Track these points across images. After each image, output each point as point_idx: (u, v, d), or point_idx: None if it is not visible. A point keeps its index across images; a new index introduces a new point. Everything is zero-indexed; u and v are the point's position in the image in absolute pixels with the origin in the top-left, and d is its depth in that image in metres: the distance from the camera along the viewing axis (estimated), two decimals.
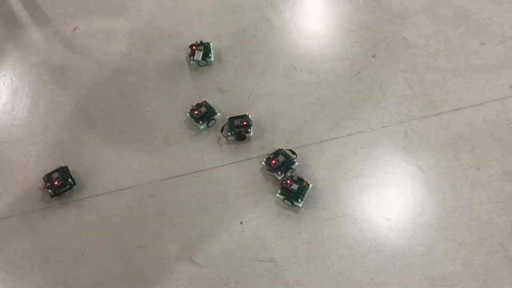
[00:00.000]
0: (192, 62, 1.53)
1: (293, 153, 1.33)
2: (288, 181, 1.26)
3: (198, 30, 1.62)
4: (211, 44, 1.55)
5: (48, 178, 1.33)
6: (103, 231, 1.28)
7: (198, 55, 1.51)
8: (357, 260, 1.20)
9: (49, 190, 1.31)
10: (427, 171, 1.30)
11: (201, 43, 1.53)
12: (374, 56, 1.51)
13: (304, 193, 1.26)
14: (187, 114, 1.41)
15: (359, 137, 1.37)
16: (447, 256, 1.18)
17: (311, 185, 1.27)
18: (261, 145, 1.38)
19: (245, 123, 1.38)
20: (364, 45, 1.54)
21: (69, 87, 1.53)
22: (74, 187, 1.34)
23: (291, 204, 1.27)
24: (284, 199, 1.27)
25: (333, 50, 1.54)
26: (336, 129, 1.39)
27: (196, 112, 1.40)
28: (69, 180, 1.32)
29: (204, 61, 1.52)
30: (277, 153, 1.32)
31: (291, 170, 1.31)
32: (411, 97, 1.42)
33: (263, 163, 1.32)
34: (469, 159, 1.31)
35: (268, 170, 1.31)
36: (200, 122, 1.40)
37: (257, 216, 1.27)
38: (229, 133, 1.38)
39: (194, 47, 1.53)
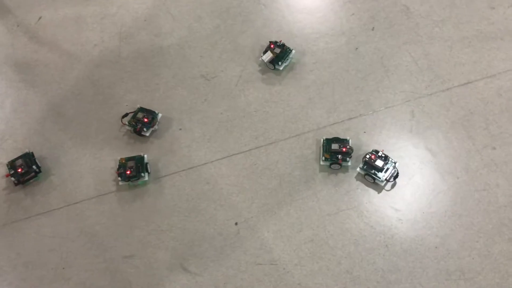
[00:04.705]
0: (260, 59, 1.45)
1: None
2: (373, 156, 1.25)
3: (177, 11, 1.60)
4: (293, 52, 1.45)
5: (11, 165, 1.34)
6: (85, 242, 1.27)
7: (267, 57, 1.43)
8: (365, 257, 1.19)
9: (12, 178, 1.32)
10: (437, 154, 1.29)
11: (281, 46, 1.44)
12: (373, 29, 1.49)
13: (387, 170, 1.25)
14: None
15: (361, 121, 1.36)
16: (463, 247, 1.18)
17: (397, 163, 1.26)
18: (254, 136, 1.36)
19: (146, 120, 1.37)
20: (362, 17, 1.52)
21: (38, 84, 1.52)
22: (39, 175, 1.35)
23: (372, 181, 1.26)
24: (365, 174, 1.26)
25: (327, 25, 1.52)
26: (335, 113, 1.37)
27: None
28: (34, 167, 1.32)
29: (272, 66, 1.44)
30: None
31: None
32: (416, 72, 1.41)
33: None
34: (483, 138, 1.30)
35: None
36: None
37: (253, 215, 1.26)
38: (127, 123, 1.38)
39: (271, 45, 1.44)
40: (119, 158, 1.33)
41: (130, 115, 1.40)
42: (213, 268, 1.21)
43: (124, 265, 1.23)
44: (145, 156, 1.33)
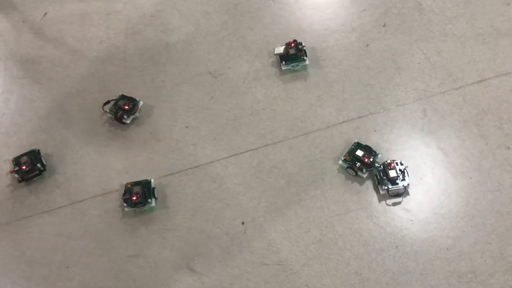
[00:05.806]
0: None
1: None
2: (393, 164, 1.25)
3: (184, 7, 1.61)
4: (306, 61, 1.43)
5: (16, 161, 1.36)
6: (89, 241, 1.28)
7: (278, 51, 1.44)
8: (374, 258, 1.19)
9: (16, 175, 1.34)
10: (450, 153, 1.29)
11: (298, 49, 1.42)
12: (384, 25, 1.49)
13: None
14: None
15: (372, 119, 1.36)
16: (476, 248, 1.18)
17: (408, 186, 1.25)
18: (261, 134, 1.37)
19: (126, 107, 1.39)
20: (373, 13, 1.52)
21: (43, 81, 1.53)
22: (44, 173, 1.36)
23: (376, 183, 1.26)
24: (375, 174, 1.26)
25: (337, 21, 1.52)
26: (345, 111, 1.38)
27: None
28: (38, 165, 1.34)
29: (282, 63, 1.43)
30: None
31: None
32: (429, 70, 1.41)
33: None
34: (497, 137, 1.30)
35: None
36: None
37: (260, 214, 1.27)
38: (108, 110, 1.41)
39: (292, 43, 1.43)
40: (124, 182, 1.32)
41: (112, 103, 1.42)
42: (219, 268, 1.22)
43: (128, 265, 1.24)
44: (152, 180, 1.32)
